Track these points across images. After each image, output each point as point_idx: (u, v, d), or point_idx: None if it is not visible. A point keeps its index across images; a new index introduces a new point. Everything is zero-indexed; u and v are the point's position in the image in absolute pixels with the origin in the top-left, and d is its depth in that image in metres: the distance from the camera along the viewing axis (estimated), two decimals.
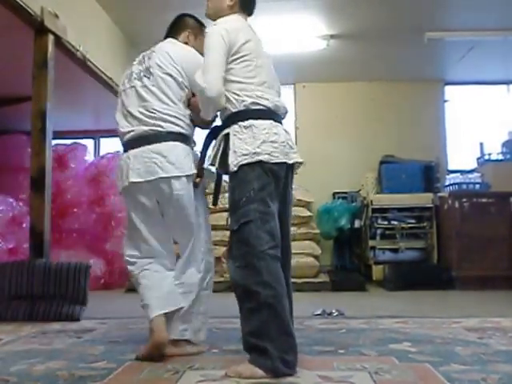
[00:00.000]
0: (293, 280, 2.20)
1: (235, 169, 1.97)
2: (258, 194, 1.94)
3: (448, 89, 6.60)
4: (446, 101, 6.59)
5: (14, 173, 5.55)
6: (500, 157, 5.51)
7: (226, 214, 5.22)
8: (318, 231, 5.43)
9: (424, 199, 5.41)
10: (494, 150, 5.56)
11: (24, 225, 4.69)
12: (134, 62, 2.41)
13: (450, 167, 6.38)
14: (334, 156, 6.23)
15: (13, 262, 3.57)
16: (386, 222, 5.40)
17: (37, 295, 3.22)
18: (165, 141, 2.22)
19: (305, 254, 4.95)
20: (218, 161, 2.07)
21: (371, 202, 5.46)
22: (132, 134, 2.26)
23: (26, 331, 2.85)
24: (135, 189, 2.24)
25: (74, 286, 3.23)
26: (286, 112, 2.19)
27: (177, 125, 2.25)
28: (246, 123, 2.01)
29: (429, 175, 5.75)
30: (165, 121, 2.23)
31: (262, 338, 1.84)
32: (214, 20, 2.17)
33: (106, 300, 4.27)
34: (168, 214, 2.28)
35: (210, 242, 2.38)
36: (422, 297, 4.35)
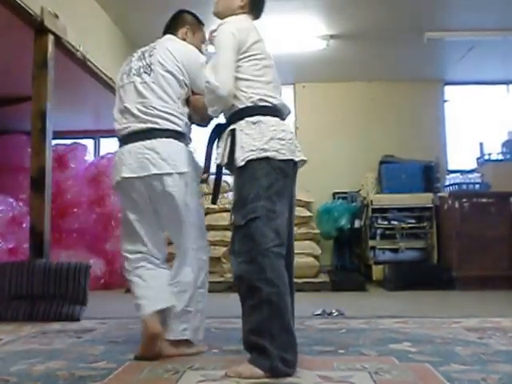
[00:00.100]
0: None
1: (242, 163, 1.96)
2: (266, 192, 1.94)
3: (448, 89, 6.60)
4: (445, 101, 6.59)
5: (13, 173, 5.55)
6: (500, 157, 5.51)
7: (226, 214, 5.31)
8: (317, 231, 5.43)
9: (424, 199, 5.41)
10: (494, 150, 5.56)
11: (24, 225, 4.69)
12: (133, 58, 2.41)
13: (450, 167, 6.38)
14: (333, 156, 6.23)
15: (13, 261, 3.57)
16: (385, 222, 5.40)
17: (37, 295, 3.22)
18: (159, 137, 2.22)
19: (305, 254, 4.95)
20: (225, 157, 2.05)
21: (371, 202, 5.46)
22: (128, 129, 2.27)
23: (26, 331, 2.85)
24: (127, 184, 2.25)
25: (74, 286, 3.23)
26: (289, 113, 2.20)
27: (173, 122, 2.25)
28: (254, 119, 2.01)
29: (429, 175, 5.74)
30: (161, 118, 2.23)
31: (262, 336, 1.84)
32: (222, 19, 2.18)
33: (106, 300, 4.28)
34: (161, 212, 2.29)
35: (202, 239, 2.32)
36: (422, 297, 4.35)
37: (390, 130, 6.37)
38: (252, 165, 1.97)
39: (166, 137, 2.23)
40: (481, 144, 5.70)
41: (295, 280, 2.16)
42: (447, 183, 5.43)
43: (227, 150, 2.04)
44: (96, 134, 6.95)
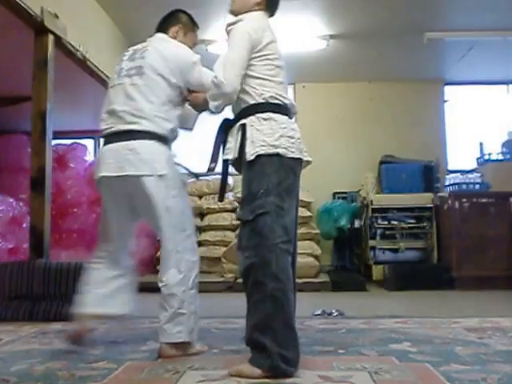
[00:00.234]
0: None
1: (252, 158, 1.96)
2: (275, 188, 1.95)
3: (448, 89, 6.60)
4: (445, 101, 6.59)
5: (14, 173, 5.54)
6: (500, 157, 5.50)
7: (226, 214, 5.30)
8: (317, 231, 5.43)
9: (424, 199, 5.41)
10: (494, 150, 5.56)
11: (24, 225, 4.69)
12: (124, 58, 2.41)
13: (450, 167, 6.37)
14: (333, 156, 6.23)
15: (13, 261, 3.57)
16: (385, 222, 5.40)
17: (37, 295, 3.22)
18: (141, 139, 2.23)
19: (305, 254, 4.95)
20: (236, 152, 2.05)
21: (371, 201, 5.46)
22: (112, 129, 2.28)
23: (26, 331, 2.85)
24: (107, 183, 2.28)
25: (74, 286, 3.22)
26: (296, 113, 2.22)
27: (158, 125, 2.25)
28: (265, 115, 2.02)
29: (429, 175, 5.74)
30: (147, 120, 2.24)
31: (264, 332, 1.83)
32: (236, 16, 2.18)
33: None
34: (140, 213, 2.31)
35: (188, 240, 2.29)
36: (421, 297, 4.36)
37: (389, 129, 6.37)
38: (262, 160, 1.97)
39: (149, 139, 2.23)
40: (481, 144, 5.69)
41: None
42: (447, 183, 5.43)
43: (238, 144, 2.04)
44: (96, 134, 6.93)
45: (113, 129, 2.27)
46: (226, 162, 2.12)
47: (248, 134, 2.00)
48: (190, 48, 2.47)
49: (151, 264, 5.59)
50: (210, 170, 2.18)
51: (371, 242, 5.41)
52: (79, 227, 5.50)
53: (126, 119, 2.24)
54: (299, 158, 2.05)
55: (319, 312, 3.29)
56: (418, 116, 6.42)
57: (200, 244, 5.54)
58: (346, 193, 6.14)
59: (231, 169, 2.18)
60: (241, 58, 2.04)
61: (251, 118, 2.03)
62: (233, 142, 2.07)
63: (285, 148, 1.99)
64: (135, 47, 2.43)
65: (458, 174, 5.40)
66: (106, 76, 4.59)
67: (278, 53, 2.14)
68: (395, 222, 5.37)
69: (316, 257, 5.17)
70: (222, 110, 2.17)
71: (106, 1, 4.52)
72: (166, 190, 2.22)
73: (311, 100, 6.52)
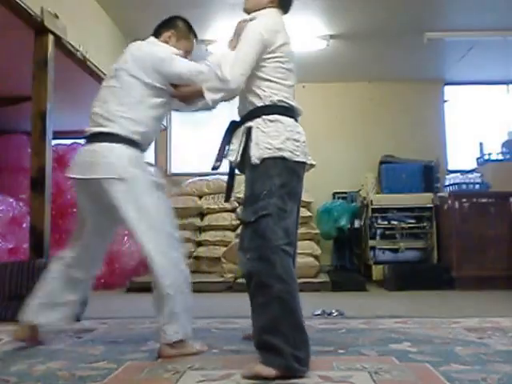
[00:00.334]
0: None
1: (257, 162, 1.96)
2: (278, 190, 1.95)
3: (448, 89, 6.60)
4: (445, 101, 6.59)
5: (14, 173, 5.54)
6: (500, 157, 5.50)
7: (226, 214, 5.30)
8: (317, 231, 5.43)
9: (424, 199, 5.41)
10: (494, 150, 5.56)
11: (24, 225, 4.69)
12: (119, 59, 2.43)
13: (450, 167, 6.38)
14: (333, 156, 6.22)
15: (13, 261, 3.57)
16: (385, 222, 5.40)
17: None
18: (106, 141, 2.24)
19: (305, 254, 4.96)
20: (239, 155, 2.05)
21: (371, 202, 5.46)
22: (88, 132, 2.32)
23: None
24: (76, 184, 2.34)
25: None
26: (300, 115, 2.21)
27: (125, 128, 2.25)
28: (272, 117, 2.02)
29: (429, 175, 5.74)
30: (114, 122, 2.25)
31: (274, 334, 1.83)
32: (250, 14, 2.18)
33: (106, 300, 4.27)
34: (106, 216, 2.33)
35: (166, 238, 2.26)
36: (422, 297, 4.36)
37: (389, 129, 6.37)
38: (266, 162, 1.97)
39: (114, 141, 2.24)
40: (481, 144, 5.69)
41: None
42: (447, 183, 5.43)
43: (241, 147, 2.04)
44: None
45: (89, 131, 2.32)
46: (231, 163, 2.13)
47: (253, 136, 2.00)
48: (184, 57, 2.44)
49: None
50: (215, 168, 2.18)
51: (371, 242, 5.41)
52: None
53: (98, 121, 2.28)
54: (303, 162, 2.05)
55: (319, 312, 3.29)
56: (418, 116, 6.42)
57: (200, 244, 5.55)
58: (345, 193, 6.14)
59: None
60: (251, 57, 2.03)
61: (257, 120, 2.02)
62: (236, 143, 2.07)
63: (290, 151, 1.99)
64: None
65: (458, 174, 5.40)
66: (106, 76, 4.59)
67: (289, 55, 2.13)
68: (395, 222, 5.37)
69: (316, 257, 5.17)
70: (215, 105, 2.17)
71: (106, 1, 4.52)
72: (130, 192, 2.20)
73: (311, 100, 6.51)
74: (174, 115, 6.41)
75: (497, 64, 5.80)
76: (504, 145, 5.55)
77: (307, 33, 5.09)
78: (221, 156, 2.15)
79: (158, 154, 6.53)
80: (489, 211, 4.95)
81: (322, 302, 3.68)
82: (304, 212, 5.20)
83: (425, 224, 5.36)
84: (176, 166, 6.59)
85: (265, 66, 2.06)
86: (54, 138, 3.81)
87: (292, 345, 1.82)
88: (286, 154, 1.98)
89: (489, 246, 4.82)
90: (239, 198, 5.49)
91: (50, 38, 3.58)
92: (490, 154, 5.52)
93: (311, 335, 2.56)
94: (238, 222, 5.48)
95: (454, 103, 6.59)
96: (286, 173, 1.98)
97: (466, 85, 6.61)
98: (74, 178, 2.32)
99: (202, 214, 5.65)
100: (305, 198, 5.41)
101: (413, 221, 5.39)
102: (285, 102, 2.07)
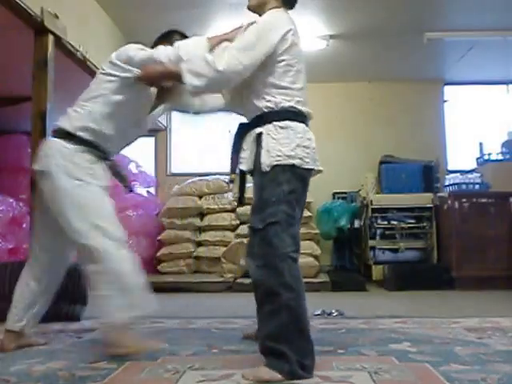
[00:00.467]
0: None
1: (267, 169, 1.94)
2: (287, 197, 1.94)
3: (447, 89, 6.60)
4: (445, 101, 6.59)
5: (13, 173, 5.54)
6: (500, 157, 5.50)
7: (226, 214, 5.29)
8: (317, 231, 5.43)
9: (424, 199, 5.41)
10: (494, 150, 5.56)
11: (24, 225, 4.69)
12: None
13: (450, 167, 6.37)
14: (333, 156, 6.21)
15: (13, 261, 3.57)
16: (385, 222, 5.40)
17: None
18: (52, 136, 2.37)
19: (305, 254, 4.95)
20: (251, 163, 2.02)
21: (371, 202, 5.47)
22: None
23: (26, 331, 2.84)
24: None
25: (74, 286, 3.23)
26: (311, 118, 2.18)
27: (68, 122, 2.32)
28: (282, 124, 1.99)
29: (428, 175, 5.74)
30: (66, 117, 2.34)
31: (280, 342, 1.82)
32: (255, 12, 2.16)
33: None
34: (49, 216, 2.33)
35: (94, 230, 2.23)
36: (421, 297, 4.36)
37: (389, 129, 6.37)
38: (275, 169, 1.95)
39: (57, 136, 2.32)
40: (480, 144, 5.70)
41: None
42: (447, 183, 5.43)
43: (253, 155, 2.01)
44: None
45: None
46: (242, 170, 2.09)
47: (264, 143, 1.97)
48: None
49: (151, 264, 5.60)
50: (231, 182, 2.15)
51: (371, 242, 5.41)
52: None
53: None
54: (312, 169, 2.04)
55: (319, 312, 3.29)
56: (418, 116, 6.42)
57: (200, 244, 5.55)
58: (345, 193, 6.14)
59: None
60: (255, 51, 1.97)
61: (268, 126, 1.99)
62: (248, 151, 2.04)
63: (300, 158, 1.98)
64: None
65: (458, 174, 5.40)
66: None
67: (299, 55, 2.09)
68: (395, 222, 5.37)
69: (316, 257, 5.17)
70: (201, 93, 2.12)
71: (106, 1, 4.52)
72: (55, 185, 2.22)
73: (311, 100, 6.42)
74: (174, 115, 6.41)
75: (497, 64, 5.80)
76: (504, 145, 5.56)
77: (307, 33, 5.09)
78: (234, 167, 2.11)
79: (158, 153, 6.54)
80: (489, 211, 4.95)
81: (321, 302, 3.68)
82: (304, 212, 5.19)
83: (425, 224, 5.36)
84: (176, 166, 6.59)
85: (274, 70, 2.02)
86: None
87: (297, 352, 1.82)
88: (296, 162, 1.97)
89: (489, 246, 4.82)
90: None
91: (50, 38, 3.58)
92: (489, 154, 5.52)
93: (311, 335, 2.58)
94: (238, 222, 5.49)
95: (454, 103, 6.59)
96: (295, 179, 1.97)
97: (466, 85, 6.61)
98: None
99: (202, 214, 5.65)
100: None
101: (413, 221, 5.39)
102: (296, 108, 2.03)
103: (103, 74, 2.35)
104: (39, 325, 2.99)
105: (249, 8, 2.22)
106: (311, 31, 5.05)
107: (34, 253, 2.44)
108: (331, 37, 5.19)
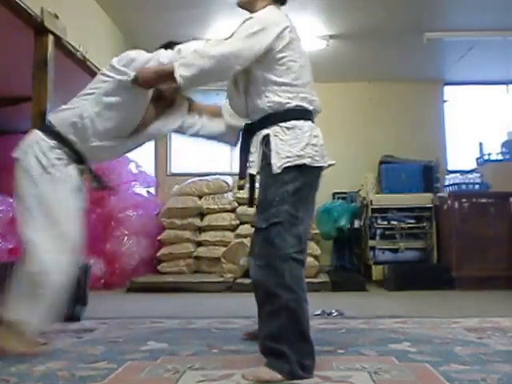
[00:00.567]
0: None
1: (279, 171, 1.92)
2: (291, 197, 1.92)
3: (447, 89, 6.60)
4: (445, 101, 6.59)
5: (14, 173, 5.54)
6: (499, 157, 5.50)
7: (225, 214, 5.28)
8: (317, 231, 5.43)
9: (424, 199, 5.41)
10: (494, 150, 5.56)
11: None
12: None
13: (450, 167, 6.38)
14: (333, 156, 6.08)
15: (13, 261, 3.56)
16: (385, 222, 5.40)
17: None
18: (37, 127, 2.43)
19: None
20: (259, 166, 2.00)
21: (371, 202, 5.47)
22: None
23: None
24: None
25: (74, 286, 3.22)
26: (319, 112, 2.15)
27: (57, 119, 2.36)
28: (289, 124, 1.98)
29: (428, 175, 5.75)
30: (55, 111, 2.43)
31: (280, 342, 1.82)
32: (244, 9, 2.15)
33: (106, 300, 4.28)
34: None
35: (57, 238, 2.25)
36: (421, 297, 4.36)
37: (389, 130, 6.37)
38: (284, 170, 1.94)
39: (40, 129, 2.39)
40: (480, 144, 5.70)
41: None
42: (447, 183, 5.43)
43: (260, 156, 1.99)
44: None
45: None
46: (251, 174, 2.07)
47: (272, 145, 1.95)
48: None
49: (151, 264, 5.60)
50: (240, 188, 2.13)
51: (371, 242, 5.41)
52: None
53: None
54: (321, 166, 2.03)
55: (319, 312, 3.29)
56: (418, 116, 6.42)
57: (200, 244, 5.55)
58: (345, 193, 6.14)
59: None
60: (250, 41, 1.93)
61: (274, 127, 1.97)
62: (256, 153, 2.02)
63: (310, 157, 1.97)
64: None
65: (458, 174, 5.40)
66: None
67: (300, 49, 2.06)
68: (395, 222, 5.37)
69: (316, 257, 5.17)
70: (194, 87, 2.07)
71: (106, 1, 4.52)
72: (24, 173, 2.32)
73: None
74: None
75: (496, 64, 5.80)
76: (504, 145, 5.56)
77: (307, 33, 5.09)
78: (243, 172, 2.08)
79: (158, 153, 6.54)
80: (489, 211, 4.95)
81: (321, 301, 3.68)
82: None
83: (424, 224, 5.37)
84: (176, 166, 6.59)
85: (276, 68, 2.00)
86: None
87: (297, 353, 1.82)
88: (307, 161, 1.96)
89: (489, 246, 4.82)
90: (239, 198, 5.50)
91: (50, 38, 3.58)
92: (489, 154, 5.52)
93: (311, 335, 2.58)
94: (238, 222, 5.49)
95: (454, 103, 6.60)
96: (301, 178, 1.95)
97: (466, 85, 6.62)
98: None
99: (201, 214, 5.65)
100: None
101: (412, 221, 5.39)
102: (302, 106, 2.01)
103: (101, 74, 2.35)
104: None
105: (238, 4, 2.19)
106: (311, 31, 5.05)
107: None
108: (331, 37, 5.20)
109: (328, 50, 5.39)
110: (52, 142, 2.31)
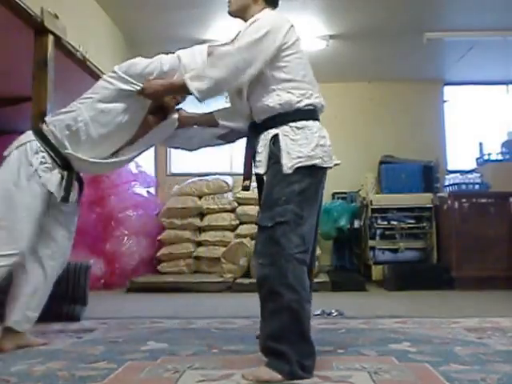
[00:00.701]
0: None
1: (290, 171, 1.92)
2: (297, 196, 1.92)
3: (447, 89, 6.60)
4: (445, 101, 6.59)
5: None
6: (499, 157, 5.51)
7: (225, 215, 5.29)
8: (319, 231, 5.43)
9: (423, 199, 5.41)
10: (494, 150, 5.56)
11: None
12: None
13: (450, 167, 6.38)
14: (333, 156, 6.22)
15: None
16: (385, 222, 5.40)
17: None
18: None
19: None
20: (266, 166, 2.00)
21: (371, 202, 5.47)
22: None
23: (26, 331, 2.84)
24: None
25: (74, 286, 3.23)
26: (323, 111, 2.15)
27: (50, 120, 2.38)
28: (299, 124, 1.97)
29: (428, 175, 5.75)
30: (52, 114, 2.47)
31: (281, 342, 1.83)
32: (237, 17, 2.15)
33: (106, 300, 4.28)
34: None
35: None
36: (421, 297, 4.36)
37: (389, 130, 6.37)
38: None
39: (33, 130, 2.40)
40: (480, 144, 5.70)
41: None
42: (447, 183, 5.43)
43: (267, 157, 1.98)
44: None
45: None
46: (258, 174, 2.05)
47: (283, 145, 1.94)
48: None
49: (151, 264, 5.60)
50: (245, 188, 2.09)
51: (371, 242, 5.41)
52: (79, 227, 5.46)
53: None
54: (328, 166, 2.02)
55: (319, 312, 3.29)
56: (418, 116, 6.42)
57: (200, 244, 5.55)
58: (345, 193, 6.14)
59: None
60: (260, 47, 1.93)
61: (284, 127, 1.97)
62: (263, 153, 2.00)
63: (320, 158, 1.97)
64: None
65: (458, 174, 5.40)
66: None
67: (302, 49, 2.07)
68: (395, 222, 5.37)
69: (316, 257, 5.17)
70: (211, 98, 2.03)
71: (106, 1, 4.52)
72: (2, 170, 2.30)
73: None
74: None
75: (496, 64, 5.80)
76: (504, 145, 5.56)
77: (307, 33, 5.09)
78: (249, 173, 2.06)
79: (157, 153, 6.54)
80: (489, 211, 4.95)
81: (321, 302, 3.68)
82: None
83: (424, 224, 5.37)
84: (176, 166, 6.59)
85: (286, 65, 1.99)
86: None
87: (298, 353, 1.82)
88: (317, 161, 1.95)
89: (489, 246, 4.82)
90: (239, 198, 5.50)
91: (50, 38, 3.58)
92: (489, 154, 5.53)
93: (311, 335, 2.58)
94: (238, 222, 5.49)
95: (454, 103, 6.60)
96: (308, 178, 1.95)
97: (466, 85, 6.62)
98: None
99: (201, 214, 5.65)
100: None
101: (412, 221, 5.39)
102: (311, 105, 2.01)
103: (103, 80, 2.35)
104: (39, 325, 3.01)
105: (230, 13, 2.18)
106: (311, 31, 5.05)
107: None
108: (331, 37, 5.20)
109: (328, 50, 5.39)
110: (39, 144, 2.31)
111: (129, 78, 2.25)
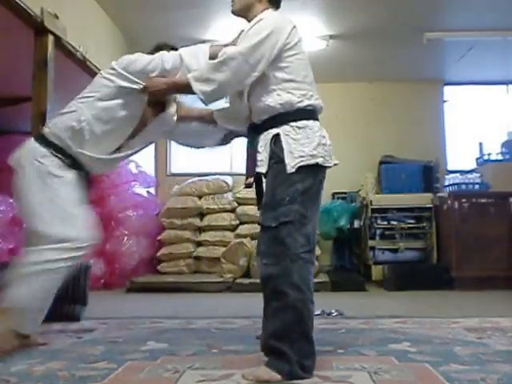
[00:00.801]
0: None
1: (293, 170, 1.92)
2: (300, 196, 1.92)
3: (447, 89, 6.61)
4: (445, 101, 6.59)
5: (14, 173, 5.54)
6: (499, 157, 5.51)
7: (225, 215, 5.30)
8: (317, 231, 5.43)
9: (423, 199, 5.41)
10: (494, 150, 5.56)
11: (24, 225, 4.69)
12: None
13: (450, 167, 6.38)
14: (333, 156, 6.22)
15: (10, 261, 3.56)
16: (385, 222, 5.40)
17: None
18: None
19: None
20: (267, 165, 2.00)
21: (371, 202, 5.47)
22: None
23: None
24: None
25: (74, 286, 3.23)
26: (321, 112, 2.15)
27: (51, 128, 2.36)
28: (300, 123, 1.97)
29: (428, 175, 5.75)
30: (52, 120, 2.46)
31: (283, 341, 1.83)
32: (240, 16, 2.14)
33: (106, 300, 4.28)
34: None
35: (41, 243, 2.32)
36: (421, 297, 4.36)
37: (389, 130, 6.38)
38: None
39: (33, 137, 2.41)
40: (480, 144, 5.70)
41: None
42: (447, 183, 5.43)
43: (269, 156, 1.98)
44: None
45: None
46: (258, 173, 2.05)
47: (284, 145, 1.94)
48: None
49: (151, 264, 5.60)
50: (248, 186, 2.09)
51: (371, 242, 5.41)
52: None
53: None
54: (329, 166, 2.03)
55: (318, 312, 3.29)
56: (418, 116, 6.42)
57: (200, 244, 5.55)
58: (345, 193, 6.14)
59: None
60: (263, 49, 1.93)
61: (285, 127, 1.97)
62: (264, 153, 2.00)
63: (322, 157, 1.97)
64: None
65: (458, 174, 5.40)
66: None
67: (303, 50, 2.08)
68: (395, 222, 5.37)
69: (316, 257, 5.17)
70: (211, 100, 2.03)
71: (106, 1, 4.52)
72: (21, 180, 2.34)
73: None
74: None
75: (496, 64, 5.80)
76: (504, 145, 5.56)
77: (307, 33, 5.09)
78: (252, 171, 2.05)
79: (158, 153, 6.54)
80: (488, 211, 4.95)
81: (321, 302, 3.68)
82: None
83: (424, 224, 5.36)
84: (176, 166, 6.59)
85: (288, 65, 2.00)
86: None
87: (298, 353, 1.82)
88: (319, 160, 1.96)
89: (489, 246, 4.82)
90: (239, 198, 5.50)
91: (50, 38, 3.58)
92: (489, 154, 5.53)
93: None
94: (238, 222, 5.49)
95: (454, 103, 6.60)
96: (310, 178, 1.95)
97: (466, 85, 6.61)
98: None
99: (201, 214, 5.65)
100: None
101: (412, 221, 5.39)
102: (311, 105, 2.01)
103: (102, 77, 2.34)
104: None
105: (233, 12, 2.18)
106: (311, 31, 5.05)
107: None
108: (331, 37, 5.19)
109: (328, 50, 5.39)
110: (44, 150, 2.32)
111: (128, 75, 2.26)
